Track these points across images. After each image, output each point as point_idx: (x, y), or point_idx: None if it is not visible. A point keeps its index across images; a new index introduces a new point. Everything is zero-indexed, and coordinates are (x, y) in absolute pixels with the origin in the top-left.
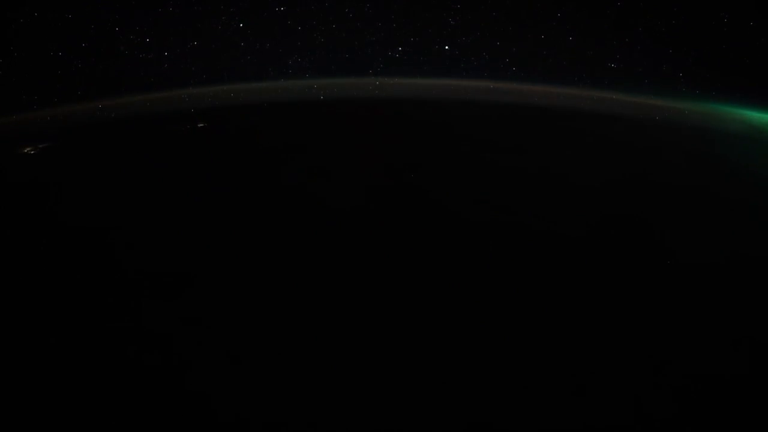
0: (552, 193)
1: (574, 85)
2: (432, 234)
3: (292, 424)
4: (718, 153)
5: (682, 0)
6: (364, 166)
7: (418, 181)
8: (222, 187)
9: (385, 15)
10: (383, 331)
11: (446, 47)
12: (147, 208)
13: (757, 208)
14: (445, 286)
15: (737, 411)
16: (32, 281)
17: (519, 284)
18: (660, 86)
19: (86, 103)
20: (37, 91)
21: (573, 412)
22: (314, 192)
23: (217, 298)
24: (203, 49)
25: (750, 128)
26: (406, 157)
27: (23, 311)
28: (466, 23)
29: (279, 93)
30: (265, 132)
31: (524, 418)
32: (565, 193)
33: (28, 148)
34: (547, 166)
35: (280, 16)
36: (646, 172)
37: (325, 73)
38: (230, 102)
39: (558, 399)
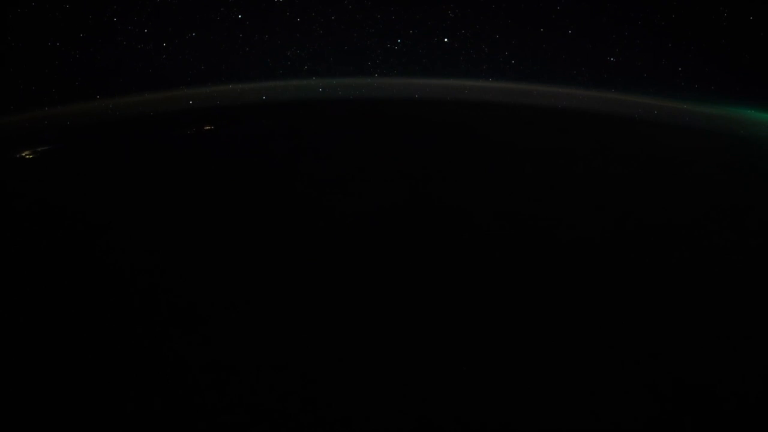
0: (581, 200)
1: (573, 78)
2: (455, 247)
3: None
4: (742, 157)
5: None
6: (381, 174)
7: (438, 189)
8: (233, 197)
9: (383, 7)
10: (408, 349)
11: (445, 40)
12: (153, 223)
13: None
14: (467, 301)
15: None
16: (28, 307)
17: (548, 297)
18: (663, 85)
19: (85, 102)
20: (35, 81)
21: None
22: (330, 203)
23: (228, 317)
24: (201, 40)
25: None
26: (423, 162)
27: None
28: (465, 16)
29: (282, 92)
30: (276, 136)
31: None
32: (595, 202)
33: (26, 152)
34: (568, 172)
35: (279, 7)
36: (675, 179)
37: (324, 64)
38: (233, 102)
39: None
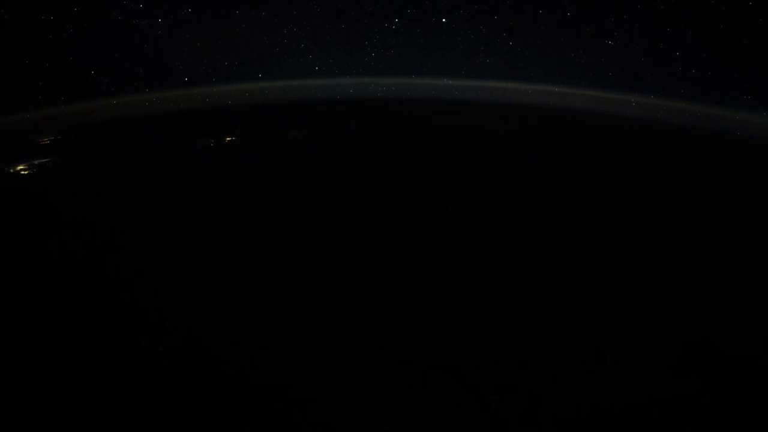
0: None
1: (571, 61)
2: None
3: None
4: None
5: None
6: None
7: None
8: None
9: None
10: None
11: (443, 20)
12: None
13: None
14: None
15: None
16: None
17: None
18: (660, 73)
19: (86, 102)
20: (30, 58)
21: None
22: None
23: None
24: (197, 16)
25: None
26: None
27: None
28: None
29: (285, 92)
30: (304, 151)
31: None
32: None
33: (21, 166)
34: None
35: None
36: (675, 178)
37: (321, 42)
38: (243, 102)
39: None
